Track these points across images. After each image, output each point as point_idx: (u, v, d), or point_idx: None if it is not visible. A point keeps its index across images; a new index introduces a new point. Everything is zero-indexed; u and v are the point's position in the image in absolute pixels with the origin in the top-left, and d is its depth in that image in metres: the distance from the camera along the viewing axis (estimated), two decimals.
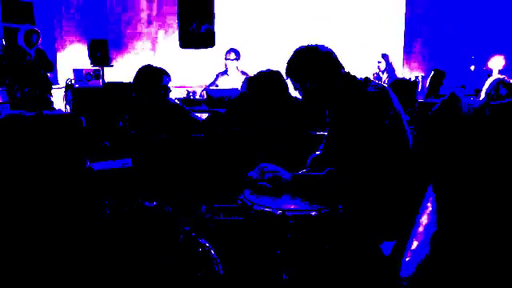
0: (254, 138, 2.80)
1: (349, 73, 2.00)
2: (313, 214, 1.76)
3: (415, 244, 1.19)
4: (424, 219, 1.22)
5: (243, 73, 5.58)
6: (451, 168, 1.24)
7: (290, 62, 2.00)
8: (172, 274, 1.86)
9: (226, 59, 5.57)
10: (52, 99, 5.74)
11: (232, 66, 5.55)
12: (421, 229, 1.21)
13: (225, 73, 5.65)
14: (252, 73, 5.40)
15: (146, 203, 1.97)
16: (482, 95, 2.32)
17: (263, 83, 2.79)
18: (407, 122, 2.00)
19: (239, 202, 1.92)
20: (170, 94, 3.05)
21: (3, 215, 2.49)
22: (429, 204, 1.22)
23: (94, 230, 2.27)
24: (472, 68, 5.45)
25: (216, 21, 7.16)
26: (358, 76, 2.02)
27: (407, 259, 1.19)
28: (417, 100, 2.98)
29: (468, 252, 1.18)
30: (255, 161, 2.65)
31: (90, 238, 2.21)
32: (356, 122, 1.88)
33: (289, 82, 2.08)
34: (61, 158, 2.95)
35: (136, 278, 1.88)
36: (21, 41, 5.48)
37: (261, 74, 2.85)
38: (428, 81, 5.06)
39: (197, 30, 7.18)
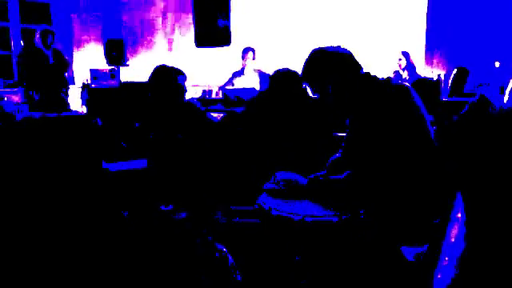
0: (272, 139, 2.74)
1: (368, 73, 1.93)
2: (334, 219, 1.70)
3: (446, 258, 1.12)
4: (454, 230, 1.14)
5: (259, 72, 5.52)
6: (481, 175, 1.16)
7: (306, 66, 1.94)
8: (189, 279, 1.82)
9: (244, 59, 5.52)
10: (69, 99, 5.77)
11: (249, 65, 5.50)
12: (452, 241, 1.13)
13: (241, 72, 5.60)
14: (267, 71, 5.36)
15: (162, 207, 1.94)
16: (506, 97, 2.19)
17: (284, 82, 2.72)
18: (431, 123, 1.92)
19: (256, 207, 1.86)
20: (186, 93, 3.01)
21: (19, 215, 2.48)
22: (459, 214, 1.14)
23: (109, 231, 2.25)
24: (497, 64, 5.26)
25: (232, 19, 7.12)
26: (379, 75, 1.95)
27: (439, 276, 1.12)
28: (441, 100, 2.88)
29: (502, 267, 1.10)
30: (273, 162, 2.59)
31: (105, 240, 2.18)
32: (377, 122, 1.82)
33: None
34: (77, 158, 2.93)
35: (152, 283, 1.84)
36: (38, 42, 5.51)
37: (280, 72, 2.78)
38: (451, 79, 4.91)
39: (213, 29, 7.15)
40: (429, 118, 1.91)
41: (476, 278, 1.03)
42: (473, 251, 1.05)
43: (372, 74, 1.94)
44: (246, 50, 5.56)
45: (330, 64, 1.88)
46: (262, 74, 5.46)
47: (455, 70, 4.97)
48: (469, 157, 1.15)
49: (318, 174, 2.02)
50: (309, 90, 2.05)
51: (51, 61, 5.59)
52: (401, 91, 1.85)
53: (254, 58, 5.51)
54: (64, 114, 3.95)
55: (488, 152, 1.12)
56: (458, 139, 1.21)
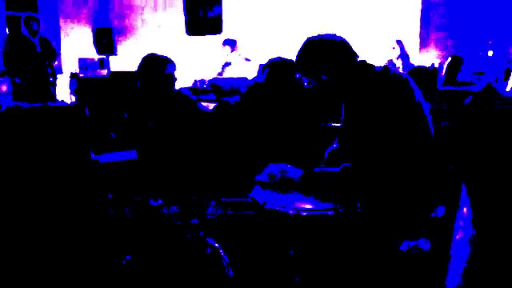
0: (266, 129, 2.68)
1: (365, 61, 1.88)
2: (329, 213, 1.65)
3: (456, 253, 1.07)
4: (461, 224, 1.10)
5: (247, 59, 5.49)
6: (486, 168, 1.11)
7: (300, 54, 1.87)
8: (179, 276, 1.76)
9: (224, 53, 5.51)
10: (56, 89, 5.65)
11: (232, 56, 5.48)
12: (459, 235, 1.09)
13: (229, 63, 5.57)
14: (256, 59, 5.31)
15: (151, 202, 1.87)
16: (510, 85, 2.14)
17: (281, 72, 2.65)
18: (428, 112, 1.87)
19: (249, 200, 1.81)
20: (176, 82, 2.93)
21: (4, 211, 2.40)
22: (465, 209, 1.09)
23: (98, 225, 2.18)
24: (490, 53, 5.22)
25: (224, 7, 6.99)
26: (375, 63, 1.90)
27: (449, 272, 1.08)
28: (437, 89, 2.83)
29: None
30: (266, 153, 2.53)
31: (93, 234, 2.12)
32: (375, 112, 1.77)
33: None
34: (64, 151, 2.84)
35: (141, 278, 1.78)
36: (24, 29, 5.37)
37: (276, 62, 2.71)
38: (445, 68, 4.86)
39: (204, 17, 7.02)
40: (427, 107, 1.86)
41: (486, 272, 0.99)
42: (482, 246, 1.01)
43: (368, 62, 1.88)
44: (224, 44, 5.53)
45: (326, 52, 1.82)
46: (248, 61, 5.44)
47: (449, 58, 4.92)
48: (477, 148, 1.10)
49: (316, 166, 1.96)
50: (302, 80, 1.98)
51: (38, 49, 5.45)
52: (399, 81, 1.80)
53: (232, 51, 5.47)
54: (50, 104, 3.83)
55: (496, 143, 1.07)
56: (465, 128, 1.16)
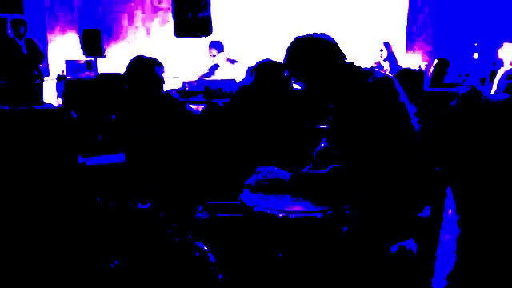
0: (256, 132, 2.68)
1: (352, 63, 1.89)
2: (318, 216, 1.65)
3: (442, 254, 1.08)
4: (447, 225, 1.11)
5: (231, 61, 5.51)
6: (471, 168, 1.12)
7: (288, 54, 1.87)
8: (168, 280, 1.75)
9: (211, 56, 5.52)
10: (43, 92, 5.59)
11: (219, 58, 5.49)
12: (445, 237, 1.10)
13: (217, 66, 5.59)
14: (245, 60, 5.33)
15: (139, 205, 1.86)
16: (494, 88, 2.16)
17: (270, 74, 2.65)
18: (414, 114, 1.89)
19: (238, 203, 1.81)
20: (164, 84, 2.91)
21: None
22: (450, 210, 1.10)
23: (86, 228, 2.16)
24: (475, 56, 5.29)
25: (212, 8, 6.99)
26: (362, 65, 1.91)
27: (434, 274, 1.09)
28: (424, 91, 2.86)
29: (496, 257, 1.06)
30: (255, 155, 2.53)
31: (80, 239, 2.10)
32: (359, 114, 1.77)
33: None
34: (51, 153, 2.81)
35: (128, 283, 1.77)
36: (10, 31, 5.31)
37: (264, 64, 2.71)
38: (431, 70, 4.91)
39: (193, 18, 7.01)
40: (412, 109, 1.87)
41: (471, 271, 1.00)
42: (467, 247, 1.02)
43: (355, 64, 1.89)
44: (210, 48, 5.54)
45: (314, 51, 1.82)
46: (233, 63, 5.47)
47: (436, 60, 4.98)
48: (461, 148, 1.11)
49: (304, 168, 1.97)
50: (291, 79, 1.99)
51: (24, 51, 5.39)
52: (384, 82, 1.81)
53: (219, 52, 5.49)
54: (37, 106, 3.79)
55: (482, 143, 1.08)
56: (450, 130, 1.17)
